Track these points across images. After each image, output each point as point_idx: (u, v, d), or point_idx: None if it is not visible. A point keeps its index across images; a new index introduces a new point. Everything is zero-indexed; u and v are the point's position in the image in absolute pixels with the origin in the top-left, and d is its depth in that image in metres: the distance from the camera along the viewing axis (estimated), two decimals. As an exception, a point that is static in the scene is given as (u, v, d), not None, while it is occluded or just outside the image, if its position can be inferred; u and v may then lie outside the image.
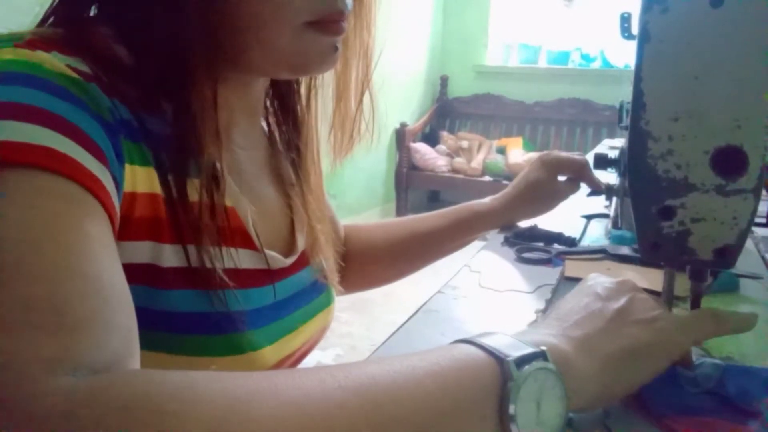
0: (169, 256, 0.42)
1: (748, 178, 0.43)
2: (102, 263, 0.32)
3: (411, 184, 4.30)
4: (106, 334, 0.30)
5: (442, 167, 4.20)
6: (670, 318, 0.43)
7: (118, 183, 0.37)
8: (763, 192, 0.44)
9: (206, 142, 0.42)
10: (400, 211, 4.32)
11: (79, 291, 0.30)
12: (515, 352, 0.34)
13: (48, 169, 0.32)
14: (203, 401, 0.26)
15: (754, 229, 0.91)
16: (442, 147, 4.35)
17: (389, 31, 3.95)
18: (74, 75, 0.37)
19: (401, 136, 4.22)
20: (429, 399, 0.31)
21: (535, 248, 0.83)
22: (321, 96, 0.57)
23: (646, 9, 0.42)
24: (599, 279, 0.47)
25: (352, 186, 3.85)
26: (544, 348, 0.35)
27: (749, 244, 0.86)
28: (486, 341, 0.35)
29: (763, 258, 0.83)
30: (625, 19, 0.52)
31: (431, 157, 4.23)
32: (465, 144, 4.33)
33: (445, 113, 4.67)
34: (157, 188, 0.42)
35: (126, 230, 0.40)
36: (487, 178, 4.05)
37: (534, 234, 0.88)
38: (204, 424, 0.26)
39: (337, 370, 0.31)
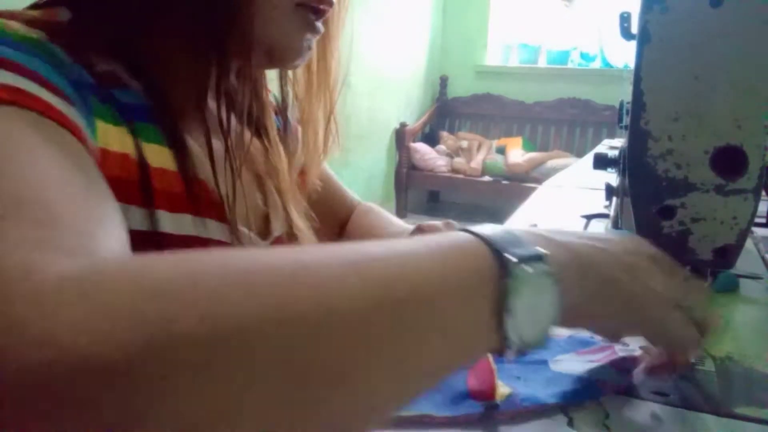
0: (136, 218, 0.42)
1: (748, 178, 0.43)
2: (87, 175, 0.33)
3: (411, 184, 4.30)
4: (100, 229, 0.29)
5: (442, 167, 4.20)
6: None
7: (87, 129, 0.37)
8: (763, 192, 0.44)
9: (185, 116, 0.47)
10: (400, 211, 4.32)
11: (70, 194, 0.29)
12: (517, 249, 0.33)
13: (15, 103, 0.32)
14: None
15: (754, 229, 0.91)
16: (441, 147, 4.35)
17: (389, 31, 3.95)
18: (35, 36, 0.38)
19: (401, 136, 4.22)
20: (428, 275, 0.29)
21: (535, 248, 0.83)
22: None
23: (646, 9, 0.42)
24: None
25: (352, 186, 3.81)
26: (547, 252, 0.34)
27: (749, 244, 0.86)
28: (487, 233, 0.33)
29: (763, 258, 0.83)
30: (625, 19, 0.51)
31: (431, 157, 4.23)
32: (465, 144, 4.33)
33: (445, 113, 4.67)
34: (128, 148, 0.42)
35: None
36: (486, 178, 4.05)
37: (534, 234, 0.88)
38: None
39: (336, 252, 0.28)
